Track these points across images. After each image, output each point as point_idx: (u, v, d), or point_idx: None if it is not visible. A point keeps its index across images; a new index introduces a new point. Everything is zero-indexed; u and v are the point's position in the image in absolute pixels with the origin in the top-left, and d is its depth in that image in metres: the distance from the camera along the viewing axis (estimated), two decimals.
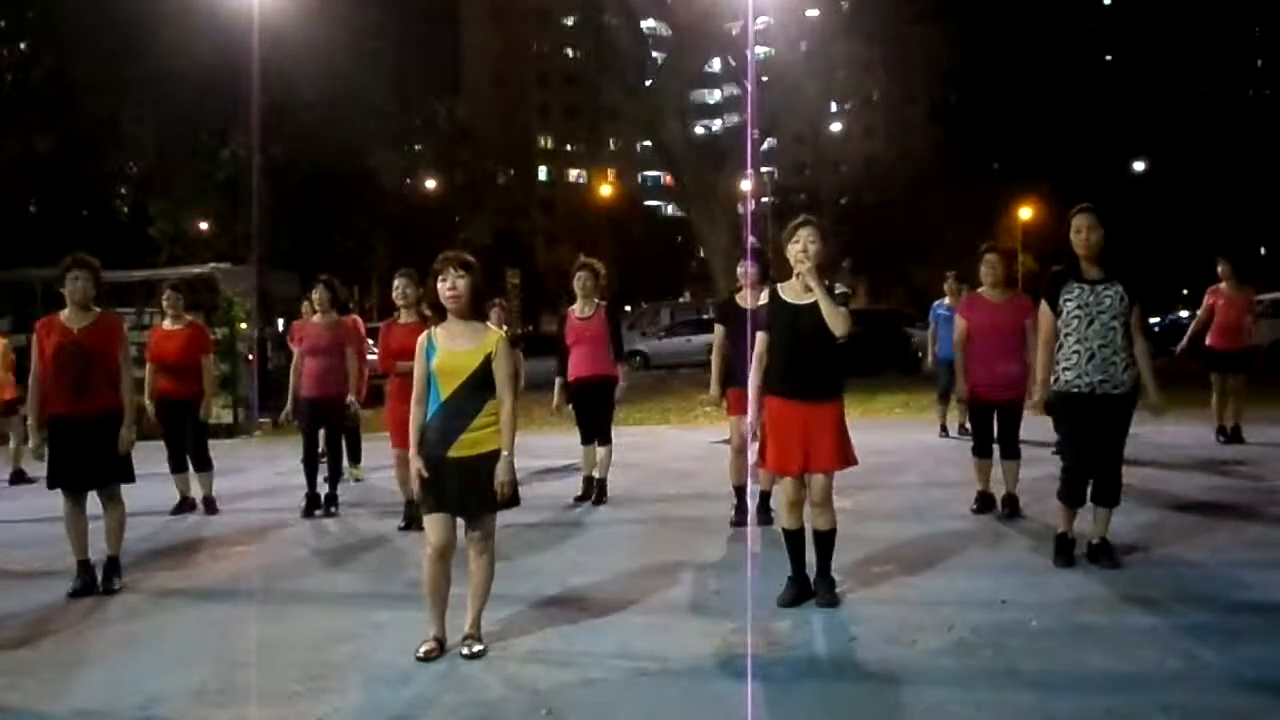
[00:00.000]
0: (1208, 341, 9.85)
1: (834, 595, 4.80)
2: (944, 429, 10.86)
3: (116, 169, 24.80)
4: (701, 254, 35.39)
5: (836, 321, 4.63)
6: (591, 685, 3.92)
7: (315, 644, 4.50)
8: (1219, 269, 9.98)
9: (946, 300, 10.55)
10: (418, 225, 35.93)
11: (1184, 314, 32.07)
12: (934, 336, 10.84)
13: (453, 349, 4.21)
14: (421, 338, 4.31)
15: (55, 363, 5.40)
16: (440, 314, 4.30)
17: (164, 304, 7.94)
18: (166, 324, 7.94)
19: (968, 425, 8.04)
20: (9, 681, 4.16)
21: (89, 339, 5.44)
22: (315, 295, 7.69)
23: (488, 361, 4.19)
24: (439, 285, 4.24)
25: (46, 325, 5.53)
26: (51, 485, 5.46)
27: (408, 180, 37.00)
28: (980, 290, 6.81)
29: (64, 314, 5.51)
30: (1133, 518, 6.10)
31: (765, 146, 24.72)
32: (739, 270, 6.65)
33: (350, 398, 7.56)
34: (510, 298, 19.08)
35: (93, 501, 5.55)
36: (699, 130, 34.38)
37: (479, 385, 4.20)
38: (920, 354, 16.33)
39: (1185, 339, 10.18)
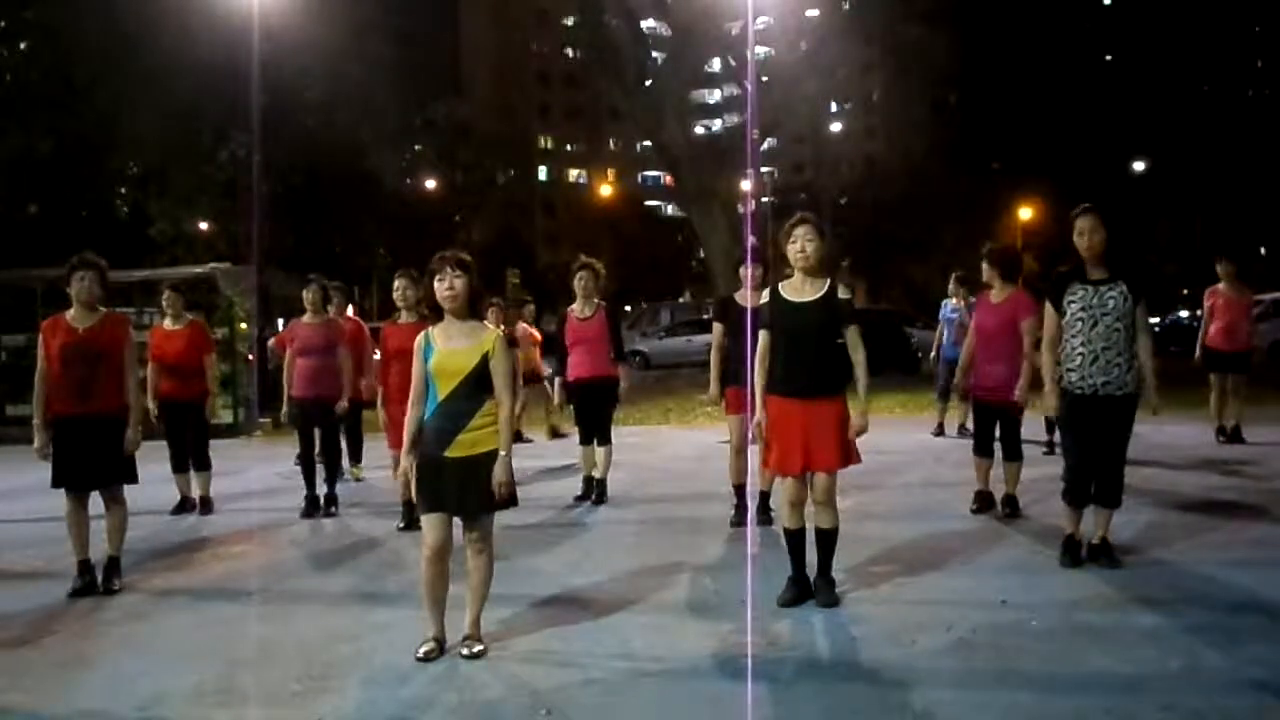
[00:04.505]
0: (1208, 342, 9.84)
1: (834, 595, 4.80)
2: (941, 428, 10.89)
3: (116, 169, 24.77)
4: (701, 254, 35.42)
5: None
6: (591, 685, 3.92)
7: (315, 644, 4.50)
8: (1219, 269, 9.96)
9: (953, 301, 10.64)
10: (418, 225, 35.92)
11: (1184, 314, 32.07)
12: (939, 336, 10.93)
13: (450, 349, 4.21)
14: (419, 337, 4.32)
15: (60, 363, 5.40)
16: (438, 314, 4.30)
17: (163, 304, 7.95)
18: (167, 324, 7.95)
19: (968, 426, 8.07)
20: (10, 681, 4.16)
21: (94, 339, 5.44)
22: (307, 296, 7.69)
23: (485, 361, 4.19)
24: (436, 285, 4.24)
25: (52, 325, 5.53)
26: (55, 485, 5.46)
27: (408, 180, 36.98)
28: (990, 291, 6.86)
29: (69, 314, 5.51)
30: (1133, 518, 6.10)
31: (765, 146, 24.73)
32: (741, 272, 6.64)
33: (342, 402, 7.55)
34: (509, 298, 19.08)
35: (94, 502, 5.55)
36: (699, 130, 34.31)
37: (477, 385, 4.20)
38: (920, 354, 16.34)
39: (1198, 348, 9.94)
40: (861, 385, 4.79)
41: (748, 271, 6.51)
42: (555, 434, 11.63)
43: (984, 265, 6.87)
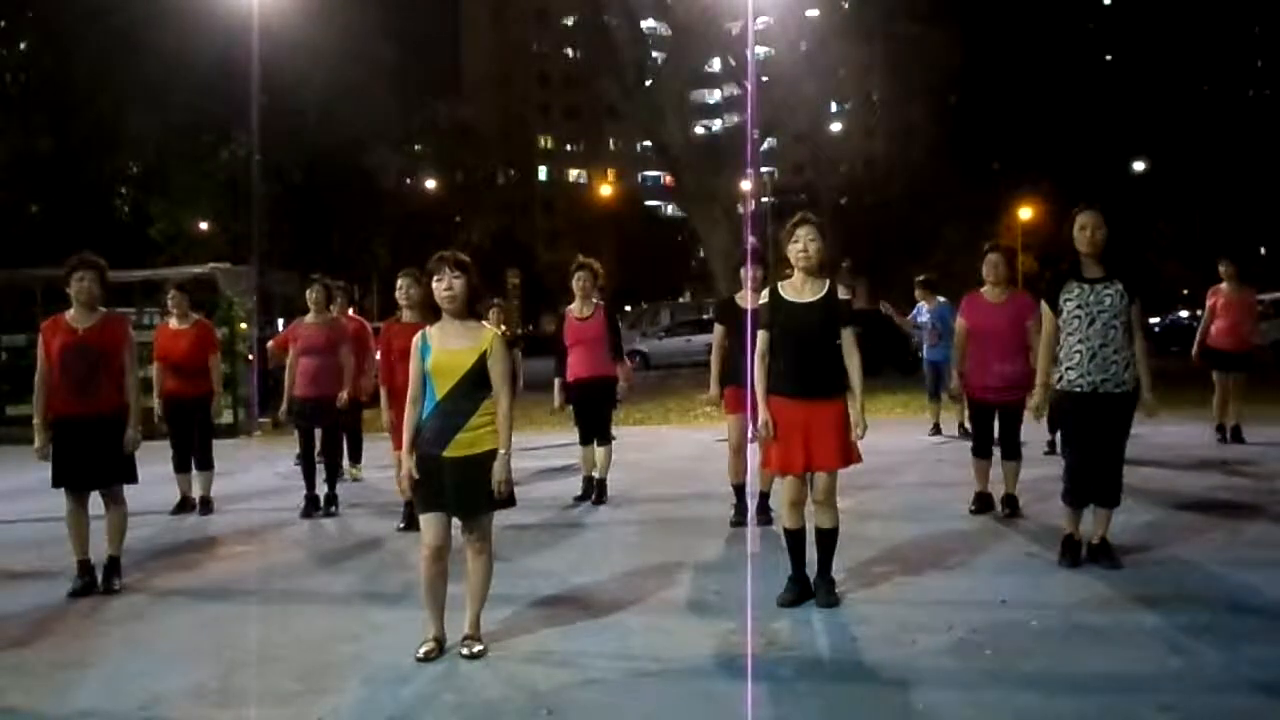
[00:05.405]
0: (1210, 342, 9.84)
1: (834, 595, 4.80)
2: (937, 428, 10.96)
3: (116, 169, 24.80)
4: (701, 254, 35.44)
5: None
6: (591, 685, 3.92)
7: (315, 644, 4.50)
8: (1221, 269, 9.97)
9: (924, 305, 10.90)
10: (418, 225, 35.93)
11: (1184, 314, 32.09)
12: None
13: (448, 348, 4.21)
14: (416, 337, 4.31)
15: (60, 363, 5.40)
16: (435, 314, 4.29)
17: (169, 304, 7.95)
18: (172, 323, 7.94)
19: (967, 425, 8.06)
20: (9, 681, 4.16)
21: (94, 339, 5.44)
22: (311, 295, 7.69)
23: (483, 360, 4.18)
24: (435, 285, 4.24)
25: (52, 325, 5.52)
26: (55, 484, 5.46)
27: (408, 180, 37.02)
28: (982, 290, 6.79)
29: (69, 314, 5.51)
30: (1133, 518, 6.10)
31: (765, 146, 24.76)
32: (741, 274, 6.63)
33: (342, 395, 7.56)
34: (510, 298, 19.09)
35: (94, 502, 5.55)
36: (699, 130, 34.35)
37: (475, 384, 4.19)
38: (918, 354, 16.38)
39: (1196, 348, 9.96)
40: (857, 388, 4.78)
41: (747, 273, 6.51)
42: None
43: (990, 264, 6.70)
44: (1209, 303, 9.96)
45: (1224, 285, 9.88)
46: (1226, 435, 9.68)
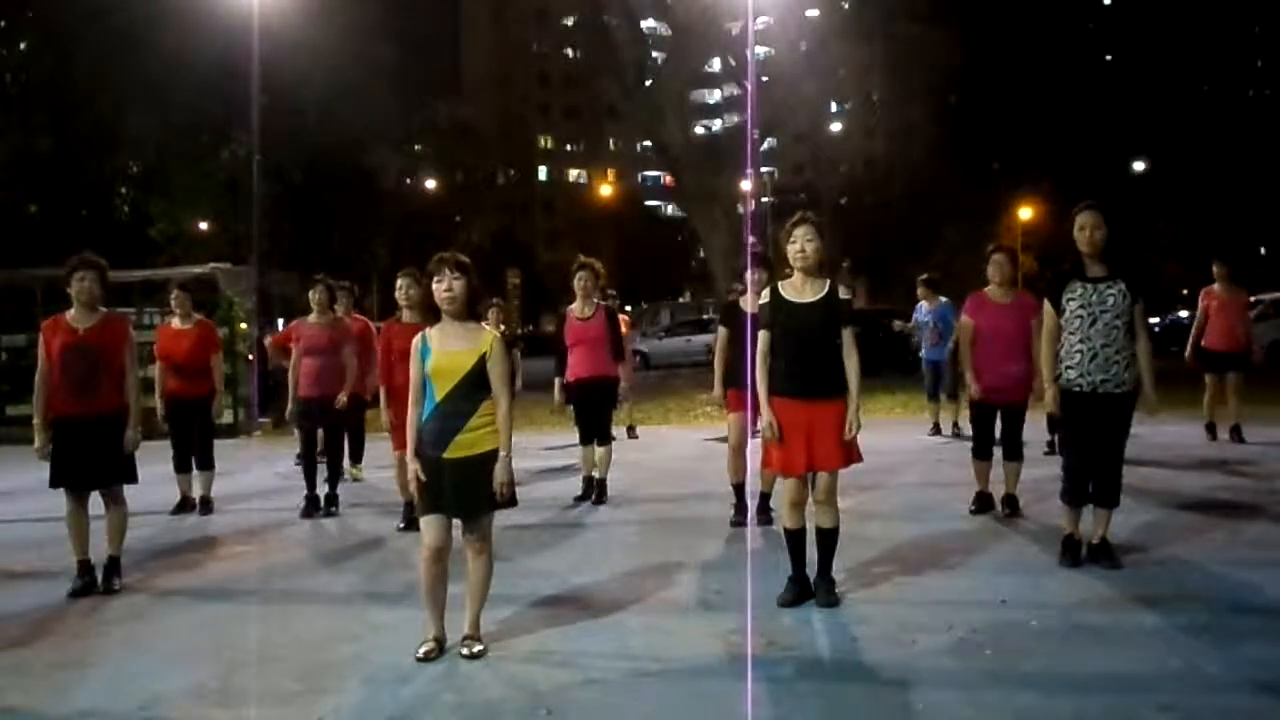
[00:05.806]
0: (1205, 343, 9.85)
1: (834, 595, 4.80)
2: (937, 427, 10.97)
3: (116, 169, 24.79)
4: (701, 254, 35.45)
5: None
6: (591, 685, 3.92)
7: (315, 644, 4.50)
8: (1214, 269, 9.98)
9: (924, 305, 10.89)
10: (418, 225, 35.94)
11: (1184, 314, 32.09)
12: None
13: (448, 350, 4.21)
14: (416, 339, 4.31)
15: (60, 363, 5.40)
16: (435, 315, 4.29)
17: (173, 303, 7.95)
18: (175, 323, 7.94)
19: (960, 424, 8.05)
20: (9, 681, 4.16)
21: (94, 339, 5.44)
22: (314, 295, 7.69)
23: (483, 362, 4.18)
24: (434, 287, 4.24)
25: (52, 325, 5.52)
26: (54, 484, 5.46)
27: (408, 180, 37.03)
28: (987, 290, 6.78)
29: (70, 314, 5.51)
30: (1133, 518, 6.10)
31: (765, 146, 24.76)
32: (746, 277, 6.62)
33: (341, 396, 7.55)
34: (510, 298, 19.10)
35: (94, 502, 5.55)
36: (699, 130, 34.36)
37: (475, 386, 4.19)
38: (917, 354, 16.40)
39: (1189, 348, 10.00)
40: (854, 387, 4.78)
41: (750, 277, 6.49)
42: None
43: (995, 264, 6.69)
44: (1202, 304, 9.97)
45: (1216, 286, 9.90)
46: (1215, 434, 9.70)
